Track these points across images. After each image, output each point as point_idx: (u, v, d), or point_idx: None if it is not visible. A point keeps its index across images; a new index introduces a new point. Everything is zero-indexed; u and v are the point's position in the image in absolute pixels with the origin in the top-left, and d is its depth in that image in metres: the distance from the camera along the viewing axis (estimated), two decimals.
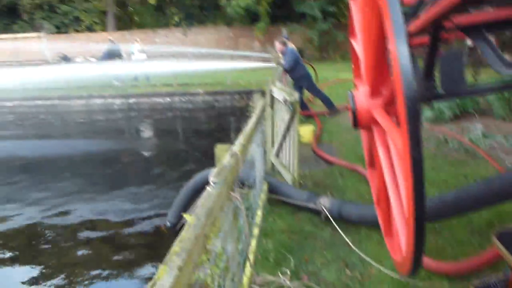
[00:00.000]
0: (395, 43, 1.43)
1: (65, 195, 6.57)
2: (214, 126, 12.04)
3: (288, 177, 4.51)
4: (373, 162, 2.78)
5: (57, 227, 5.59)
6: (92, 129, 12.43)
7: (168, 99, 14.19)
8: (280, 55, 8.45)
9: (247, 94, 13.26)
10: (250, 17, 22.92)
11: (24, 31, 26.36)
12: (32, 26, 26.58)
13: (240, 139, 2.55)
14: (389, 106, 2.11)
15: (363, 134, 3.22)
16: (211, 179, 1.96)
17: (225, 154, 2.25)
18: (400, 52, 1.40)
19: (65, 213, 5.92)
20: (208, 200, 1.59)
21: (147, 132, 11.88)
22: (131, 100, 14.37)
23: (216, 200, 1.65)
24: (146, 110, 13.85)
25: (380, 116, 2.06)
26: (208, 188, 1.87)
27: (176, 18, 26.27)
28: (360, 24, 2.53)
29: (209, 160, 7.93)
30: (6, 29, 26.82)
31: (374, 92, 2.15)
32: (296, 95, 4.17)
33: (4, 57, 23.97)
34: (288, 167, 4.58)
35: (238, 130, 7.77)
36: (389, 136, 1.93)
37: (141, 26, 27.24)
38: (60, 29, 26.67)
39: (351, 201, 3.99)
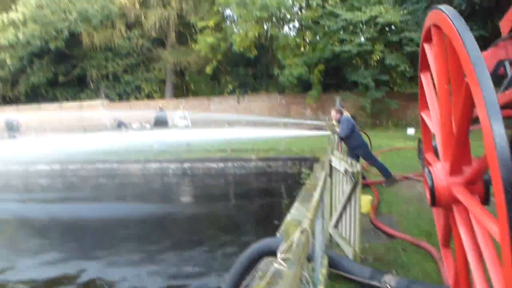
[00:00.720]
0: (489, 123, 1.36)
1: (121, 254, 6.64)
2: (266, 192, 11.98)
3: (348, 251, 4.31)
4: (448, 242, 2.60)
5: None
6: (147, 193, 12.75)
7: (221, 164, 14.43)
8: (336, 123, 8.46)
9: (300, 161, 13.27)
10: (302, 85, 23.48)
11: (90, 99, 28.41)
12: (98, 95, 28.61)
13: (308, 213, 2.47)
14: (472, 185, 1.99)
15: (436, 212, 3.04)
16: (280, 255, 1.88)
17: (293, 229, 2.18)
18: (496, 134, 1.33)
19: (121, 273, 5.94)
20: (285, 282, 1.51)
21: (200, 197, 11.99)
22: (186, 165, 14.74)
23: (292, 282, 1.57)
24: (200, 175, 14.11)
25: (463, 196, 1.94)
26: (275, 264, 1.79)
27: (231, 86, 27.40)
28: (432, 98, 2.48)
29: (261, 227, 7.83)
30: (75, 97, 29.07)
31: (454, 169, 2.05)
32: (358, 166, 4.08)
33: (70, 122, 25.72)
34: (348, 240, 4.39)
35: (290, 197, 7.63)
36: (475, 218, 1.80)
37: (196, 94, 28.61)
38: (122, 96, 28.47)
39: (418, 280, 3.72)
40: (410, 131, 16.04)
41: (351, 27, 20.52)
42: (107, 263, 6.40)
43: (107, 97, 28.43)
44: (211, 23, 25.01)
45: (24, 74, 30.02)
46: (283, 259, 1.83)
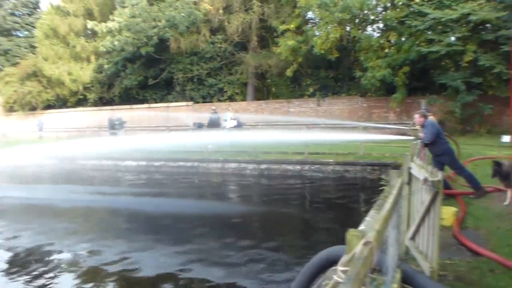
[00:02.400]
0: None
1: (194, 252, 6.82)
2: (343, 197, 11.66)
3: (425, 266, 4.00)
4: None
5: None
6: (224, 191, 13.05)
7: (298, 167, 14.34)
8: (419, 128, 7.98)
9: (380, 166, 12.75)
10: (386, 88, 22.59)
11: (176, 101, 29.83)
12: (183, 97, 29.94)
13: (375, 224, 2.30)
14: None
15: None
16: (340, 267, 1.77)
17: (357, 241, 2.04)
18: None
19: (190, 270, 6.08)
20: None
21: (275, 198, 11.98)
22: (263, 166, 14.86)
23: None
24: (276, 177, 14.13)
25: None
26: (335, 277, 1.68)
27: (311, 89, 27.15)
28: None
29: (335, 233, 7.60)
30: (163, 99, 30.72)
31: None
32: (439, 175, 3.77)
33: (157, 122, 27.19)
34: (426, 254, 4.08)
35: (368, 204, 7.31)
36: None
37: (277, 96, 28.75)
38: (206, 98, 29.48)
39: None
40: (506, 138, 14.66)
41: (440, 26, 19.30)
42: (185, 260, 6.59)
43: (192, 99, 29.62)
44: (292, 26, 24.99)
45: (119, 78, 32.31)
46: (343, 272, 1.72)
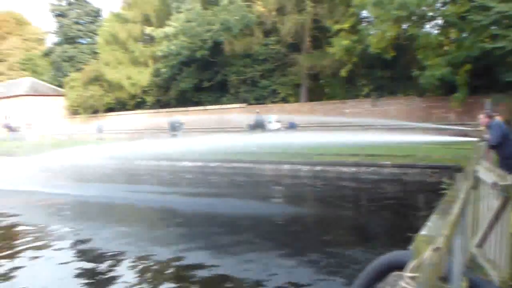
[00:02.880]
0: None
1: (247, 251, 6.88)
2: (400, 201, 11.31)
3: (494, 275, 3.79)
4: None
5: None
6: (278, 193, 13.06)
7: (353, 169, 14.08)
8: (484, 129, 7.59)
9: (440, 169, 12.25)
10: (445, 87, 21.64)
11: (230, 103, 30.28)
12: (237, 99, 30.32)
13: (443, 229, 2.22)
14: None
15: None
16: (409, 274, 1.72)
17: (425, 246, 1.97)
18: None
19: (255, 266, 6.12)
20: None
21: (330, 201, 11.83)
22: (318, 168, 14.72)
23: None
24: (331, 179, 13.96)
25: None
26: (403, 283, 1.64)
27: (366, 89, 26.59)
28: None
29: (393, 237, 7.37)
30: (217, 102, 31.30)
31: None
32: (510, 179, 3.57)
33: (212, 124, 27.73)
34: (495, 263, 3.87)
35: (427, 208, 7.04)
36: None
37: (331, 97, 28.41)
38: (259, 100, 29.69)
39: None
40: None
41: (505, 20, 18.22)
42: (240, 260, 6.65)
43: (245, 100, 29.93)
44: (346, 25, 24.61)
45: (175, 81, 33.28)
46: (411, 278, 1.67)
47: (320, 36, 28.31)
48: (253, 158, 16.16)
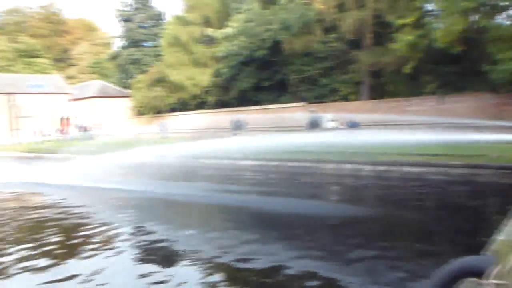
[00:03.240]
0: None
1: (300, 249, 6.86)
2: (471, 204, 10.77)
3: None
4: None
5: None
6: (339, 193, 12.90)
7: (419, 169, 13.61)
8: None
9: None
10: None
11: (289, 102, 30.29)
12: (296, 98, 30.27)
13: None
14: None
15: None
16: (492, 281, 1.67)
17: (509, 251, 1.91)
18: None
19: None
20: None
21: (393, 202, 11.52)
22: (380, 168, 14.38)
23: None
24: (394, 179, 13.58)
25: None
26: None
27: (431, 86, 25.55)
28: None
29: (462, 242, 7.05)
30: (276, 101, 31.42)
31: None
32: None
33: (272, 123, 27.87)
34: None
35: (501, 212, 6.67)
36: None
37: (393, 95, 27.60)
38: (319, 99, 29.46)
39: None
40: None
41: None
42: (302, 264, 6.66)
43: (305, 99, 29.81)
44: (410, 20, 23.78)
45: (235, 81, 33.83)
46: (498, 286, 1.63)
47: (382, 32, 27.57)
48: (313, 157, 16.07)
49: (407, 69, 24.02)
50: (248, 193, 12.51)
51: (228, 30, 30.77)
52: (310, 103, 29.38)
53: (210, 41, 36.84)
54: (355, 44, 28.27)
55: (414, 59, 23.84)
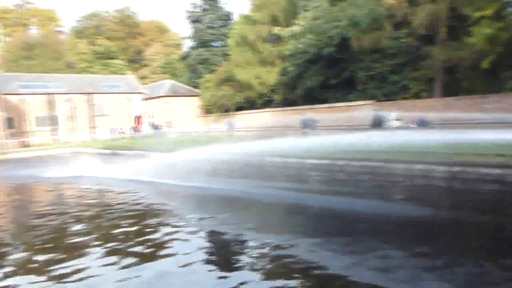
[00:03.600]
0: None
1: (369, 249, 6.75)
2: None
3: None
4: None
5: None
6: (410, 194, 12.50)
7: (498, 171, 12.84)
8: None
9: None
10: None
11: (357, 100, 29.73)
12: (364, 95, 29.62)
13: None
14: None
15: None
16: None
17: None
18: None
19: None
20: None
21: (468, 205, 10.97)
22: (455, 169, 13.74)
23: None
24: (471, 181, 12.92)
25: None
26: None
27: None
28: None
29: None
30: (344, 99, 30.96)
31: None
32: None
33: (339, 122, 27.53)
34: None
35: None
36: None
37: (468, 91, 26.16)
38: (388, 96, 28.63)
39: None
40: None
41: None
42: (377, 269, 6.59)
43: (374, 97, 29.12)
44: (489, 12, 22.39)
45: (301, 79, 33.79)
46: None
47: (457, 26, 26.22)
48: (382, 157, 15.68)
49: (485, 64, 22.67)
50: (325, 193, 12.47)
51: (295, 28, 30.77)
52: (379, 100, 28.64)
53: (277, 39, 37.06)
54: (428, 39, 27.13)
55: (493, 53, 22.44)
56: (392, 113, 21.36)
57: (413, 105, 26.17)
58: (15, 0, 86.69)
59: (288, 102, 37.13)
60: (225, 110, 44.16)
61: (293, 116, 34.49)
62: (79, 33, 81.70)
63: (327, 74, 31.70)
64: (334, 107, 30.90)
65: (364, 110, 27.13)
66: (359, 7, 27.57)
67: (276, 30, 33.34)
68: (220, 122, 43.10)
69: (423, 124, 22.74)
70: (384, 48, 28.26)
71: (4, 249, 8.25)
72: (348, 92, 31.35)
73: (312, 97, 33.47)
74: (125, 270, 6.64)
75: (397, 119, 22.57)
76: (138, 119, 52.79)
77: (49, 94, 46.05)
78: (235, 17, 50.75)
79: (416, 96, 27.72)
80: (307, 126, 22.59)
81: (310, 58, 31.25)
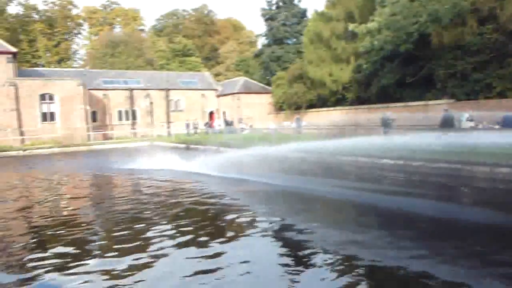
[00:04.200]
0: None
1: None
2: None
3: None
4: None
5: None
6: (493, 200, 11.80)
7: None
8: None
9: None
10: None
11: (435, 99, 28.39)
12: (444, 94, 28.21)
13: None
14: None
15: None
16: None
17: None
18: None
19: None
20: None
21: None
22: None
23: None
24: None
25: None
26: None
27: None
28: None
29: None
30: (421, 98, 29.71)
31: None
32: None
33: (415, 122, 26.52)
34: None
35: None
36: None
37: None
38: (470, 96, 27.06)
39: None
40: None
41: None
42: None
43: (454, 96, 27.67)
44: None
45: (376, 77, 32.92)
46: None
47: None
48: (462, 158, 14.90)
49: None
50: (407, 195, 12.12)
51: (371, 25, 29.95)
52: (459, 100, 27.16)
53: (352, 36, 36.39)
54: None
55: None
56: (464, 113, 20.13)
57: (498, 104, 24.49)
58: (102, 0, 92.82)
59: (361, 101, 36.35)
60: (297, 107, 44.18)
61: (366, 115, 33.76)
62: (158, 31, 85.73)
63: (403, 72, 30.59)
64: (410, 106, 29.77)
65: (442, 109, 25.82)
66: (441, 2, 26.24)
67: (352, 26, 32.63)
68: (291, 119, 43.27)
69: (509, 124, 21.25)
70: (466, 45, 26.69)
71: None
72: (425, 90, 29.99)
73: (387, 96, 32.49)
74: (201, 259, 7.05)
75: (470, 119, 21.20)
76: (212, 115, 54.49)
77: (129, 89, 48.96)
78: (310, 14, 50.52)
79: (501, 95, 25.89)
80: (387, 125, 21.92)
81: (386, 55, 30.32)
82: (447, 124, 19.56)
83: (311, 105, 43.23)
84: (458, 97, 27.44)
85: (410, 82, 30.31)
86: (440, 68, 28.17)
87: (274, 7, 55.92)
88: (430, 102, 28.41)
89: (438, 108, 26.41)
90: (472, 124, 19.49)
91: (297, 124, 35.84)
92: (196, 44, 77.86)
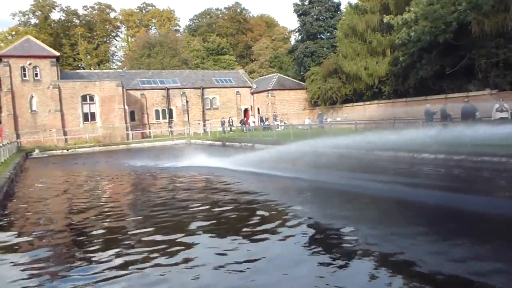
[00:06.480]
0: None
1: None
2: None
3: None
4: None
5: None
6: None
7: None
8: None
9: None
10: None
11: (477, 90, 27.32)
12: (486, 84, 27.10)
13: None
14: None
15: None
16: None
17: None
18: None
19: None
20: None
21: None
22: None
23: None
24: None
25: None
26: None
27: None
28: None
29: None
30: (462, 88, 28.65)
31: None
32: None
33: (456, 114, 25.56)
34: None
35: None
36: None
37: None
38: None
39: None
40: None
41: None
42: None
43: (497, 86, 26.53)
44: None
45: (413, 69, 32.01)
46: None
47: None
48: (508, 152, 14.23)
49: None
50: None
51: (407, 16, 29.10)
52: (503, 90, 26.02)
53: (387, 28, 35.55)
54: None
55: None
56: (496, 104, 19.06)
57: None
58: (138, 2, 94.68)
59: (398, 94, 35.48)
60: (332, 102, 43.66)
61: (403, 108, 32.94)
62: (193, 31, 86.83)
63: (442, 63, 29.58)
64: (451, 97, 28.78)
65: (487, 100, 24.80)
66: None
67: (387, 18, 31.82)
68: (328, 115, 42.82)
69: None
70: (509, 32, 25.49)
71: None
72: (466, 81, 28.90)
73: (425, 88, 31.53)
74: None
75: (500, 110, 19.83)
76: (246, 112, 54.74)
77: (165, 89, 49.95)
78: (343, 8, 49.75)
79: None
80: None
81: (424, 46, 29.42)
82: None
83: (347, 100, 42.61)
84: (501, 87, 26.30)
85: (450, 73, 29.27)
86: (482, 57, 27.06)
87: (307, 2, 55.38)
88: (472, 94, 27.36)
89: (480, 99, 25.43)
90: (503, 115, 18.46)
91: (319, 120, 35.48)
92: (230, 42, 78.34)
